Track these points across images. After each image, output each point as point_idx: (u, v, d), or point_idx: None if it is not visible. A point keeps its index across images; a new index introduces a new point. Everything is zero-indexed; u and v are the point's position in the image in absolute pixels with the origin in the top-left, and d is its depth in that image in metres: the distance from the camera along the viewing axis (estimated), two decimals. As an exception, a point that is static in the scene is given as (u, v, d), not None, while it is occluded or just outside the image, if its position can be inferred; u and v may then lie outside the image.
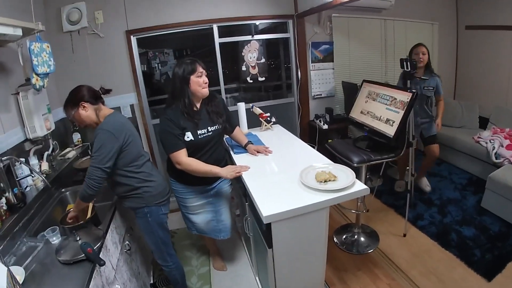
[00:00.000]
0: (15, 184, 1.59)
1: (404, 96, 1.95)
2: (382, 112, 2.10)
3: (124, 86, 2.80)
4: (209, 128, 1.73)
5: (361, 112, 2.31)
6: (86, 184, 1.40)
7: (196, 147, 1.70)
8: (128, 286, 1.59)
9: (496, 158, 2.81)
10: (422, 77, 2.55)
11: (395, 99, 2.02)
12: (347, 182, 1.46)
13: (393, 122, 1.98)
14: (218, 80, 3.02)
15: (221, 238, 2.01)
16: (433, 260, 2.12)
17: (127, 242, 1.73)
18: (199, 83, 1.63)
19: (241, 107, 2.44)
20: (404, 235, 2.40)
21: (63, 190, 1.92)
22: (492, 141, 2.96)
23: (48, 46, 1.77)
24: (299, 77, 3.24)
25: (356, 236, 2.43)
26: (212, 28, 2.88)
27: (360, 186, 1.47)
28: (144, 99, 2.93)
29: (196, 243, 2.55)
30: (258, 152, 1.98)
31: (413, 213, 2.65)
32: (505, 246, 2.18)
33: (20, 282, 1.07)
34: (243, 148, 2.05)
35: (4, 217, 1.40)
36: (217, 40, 2.92)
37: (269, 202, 1.39)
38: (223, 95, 3.08)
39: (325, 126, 3.11)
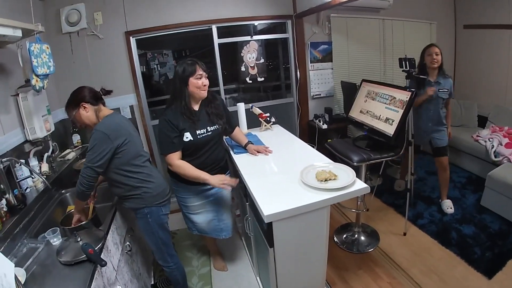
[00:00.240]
0: (15, 185, 1.59)
1: (404, 95, 1.96)
2: (381, 111, 2.11)
3: (124, 87, 2.80)
4: (208, 128, 1.73)
5: (361, 112, 2.32)
6: (79, 181, 1.46)
7: (195, 147, 1.70)
8: (129, 287, 1.58)
9: (495, 157, 2.82)
10: (436, 81, 2.43)
11: (395, 98, 2.03)
12: (348, 181, 1.46)
13: (393, 121, 1.99)
14: (217, 80, 3.02)
15: (223, 237, 2.00)
16: (434, 259, 2.13)
17: (128, 243, 1.73)
18: (198, 85, 1.63)
19: (241, 107, 2.45)
20: (404, 234, 2.41)
21: (63, 191, 1.93)
22: (491, 139, 2.97)
23: (47, 47, 1.77)
24: (298, 77, 3.24)
25: (356, 235, 2.43)
26: (211, 28, 2.88)
27: (360, 185, 1.47)
28: (143, 100, 2.93)
29: (197, 243, 2.55)
30: (258, 152, 1.98)
31: (413, 212, 2.66)
32: (505, 244, 2.19)
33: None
34: (243, 148, 2.05)
35: (4, 219, 1.40)
36: (216, 41, 2.93)
37: (270, 202, 1.39)
38: (222, 96, 3.08)
39: (325, 126, 3.11)
